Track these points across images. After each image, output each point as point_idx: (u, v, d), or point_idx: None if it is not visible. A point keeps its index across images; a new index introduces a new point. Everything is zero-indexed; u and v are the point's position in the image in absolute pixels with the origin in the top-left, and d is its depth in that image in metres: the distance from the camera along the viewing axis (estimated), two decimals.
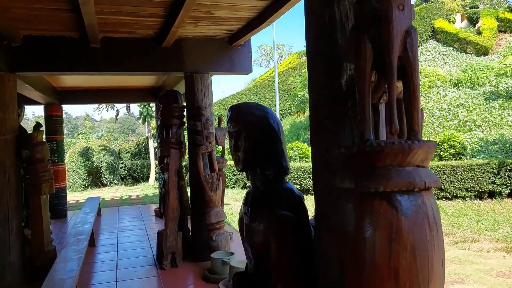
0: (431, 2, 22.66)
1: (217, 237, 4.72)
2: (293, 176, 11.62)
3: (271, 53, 41.75)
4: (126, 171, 22.94)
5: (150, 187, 16.79)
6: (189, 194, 5.56)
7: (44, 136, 6.01)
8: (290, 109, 19.04)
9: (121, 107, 20.24)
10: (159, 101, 5.33)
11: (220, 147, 5.50)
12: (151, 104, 17.98)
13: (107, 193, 15.92)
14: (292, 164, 11.96)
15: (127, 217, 8.91)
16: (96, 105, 18.79)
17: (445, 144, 10.06)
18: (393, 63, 1.19)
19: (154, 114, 18.51)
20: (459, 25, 23.20)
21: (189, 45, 5.08)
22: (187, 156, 5.31)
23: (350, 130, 1.52)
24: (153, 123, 22.19)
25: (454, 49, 19.45)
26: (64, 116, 9.04)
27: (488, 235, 6.69)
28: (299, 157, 12.75)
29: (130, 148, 24.50)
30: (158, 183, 9.46)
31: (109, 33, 4.63)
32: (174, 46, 5.00)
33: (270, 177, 1.80)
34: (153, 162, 18.00)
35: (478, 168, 8.99)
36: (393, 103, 1.20)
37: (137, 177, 21.45)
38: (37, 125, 4.71)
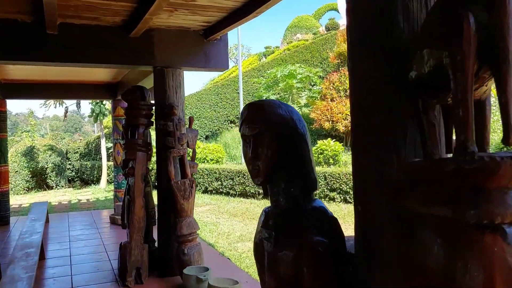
0: None
1: (189, 250, 4.31)
2: None
3: (230, 53, 41.41)
4: (74, 173, 21.71)
5: (102, 191, 15.86)
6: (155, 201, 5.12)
7: None
8: None
9: (70, 104, 19.07)
10: (124, 97, 4.84)
11: (191, 150, 5.08)
12: (104, 102, 17.03)
13: (53, 196, 14.86)
14: None
15: (79, 224, 8.22)
16: (42, 101, 17.53)
17: None
18: (510, 48, 0.91)
19: (107, 113, 17.56)
20: None
21: (160, 37, 4.65)
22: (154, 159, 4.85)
23: (413, 136, 1.22)
24: (106, 121, 21.16)
25: None
26: None
27: None
28: None
29: (78, 148, 23.24)
30: (114, 186, 8.83)
31: (70, 18, 4.10)
32: (143, 37, 4.55)
33: (296, 192, 1.47)
34: (105, 164, 17.06)
35: None
36: (510, 102, 0.91)
37: (86, 179, 20.32)
38: None
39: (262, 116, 1.47)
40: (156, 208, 5.05)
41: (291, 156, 1.47)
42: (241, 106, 15.19)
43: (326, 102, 13.16)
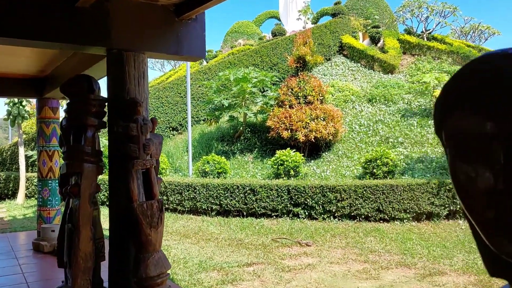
0: (339, 17, 23.53)
1: None
2: (212, 195, 10.32)
3: None
4: None
5: (19, 207, 13.88)
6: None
7: None
8: (198, 116, 17.65)
9: None
10: (65, 89, 3.70)
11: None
12: (23, 102, 15.04)
13: None
14: (209, 180, 10.66)
15: None
16: None
17: (378, 161, 9.81)
18: None
19: (27, 115, 15.55)
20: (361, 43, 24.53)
21: (118, 10, 3.60)
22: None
23: None
24: (25, 125, 18.84)
25: (362, 66, 20.28)
26: None
27: (448, 263, 6.28)
28: (217, 173, 11.47)
29: None
30: (37, 204, 7.41)
31: None
32: (95, 9, 3.48)
33: None
34: (23, 175, 15.03)
35: (418, 188, 8.82)
36: None
37: None
38: None
39: None
40: (106, 238, 3.93)
41: None
42: (189, 111, 14.05)
43: (284, 109, 12.50)
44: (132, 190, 3.31)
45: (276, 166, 10.87)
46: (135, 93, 3.61)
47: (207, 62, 26.06)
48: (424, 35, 25.66)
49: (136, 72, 3.66)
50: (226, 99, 14.09)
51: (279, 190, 9.64)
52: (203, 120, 17.46)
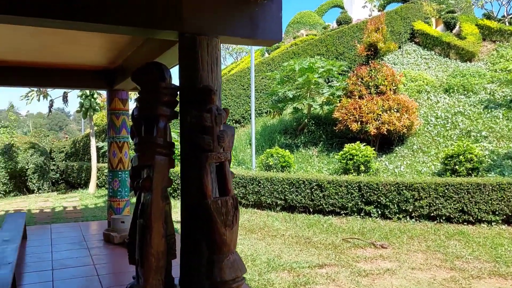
0: (411, 2, 22.19)
1: None
2: (277, 189, 10.03)
3: (230, 48, 40.33)
4: (58, 175, 20.37)
5: (90, 196, 14.49)
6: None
7: None
8: (260, 109, 17.46)
9: (55, 97, 17.66)
10: (136, 78, 3.53)
11: None
12: (95, 95, 15.64)
13: (34, 202, 13.45)
14: (274, 174, 10.38)
15: (64, 242, 6.87)
16: (23, 93, 16.03)
17: (461, 157, 8.98)
18: None
19: (98, 108, 16.17)
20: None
21: None
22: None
23: None
24: (96, 118, 19.71)
25: (436, 54, 18.96)
26: None
27: None
28: (280, 166, 11.17)
29: (64, 147, 21.89)
30: (108, 194, 7.52)
31: None
32: None
33: None
34: (94, 165, 15.69)
35: (509, 188, 7.92)
36: None
37: (72, 182, 18.96)
38: None
39: None
40: (176, 234, 3.76)
41: None
42: (253, 103, 13.84)
43: (354, 99, 11.88)
44: (205, 185, 3.06)
45: (344, 161, 10.34)
46: (208, 81, 3.35)
47: (269, 54, 25.84)
48: (506, 19, 23.52)
49: (209, 58, 3.40)
50: (290, 90, 13.71)
51: (349, 186, 9.12)
52: (265, 113, 17.22)
